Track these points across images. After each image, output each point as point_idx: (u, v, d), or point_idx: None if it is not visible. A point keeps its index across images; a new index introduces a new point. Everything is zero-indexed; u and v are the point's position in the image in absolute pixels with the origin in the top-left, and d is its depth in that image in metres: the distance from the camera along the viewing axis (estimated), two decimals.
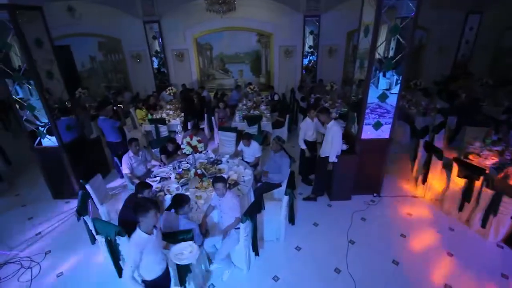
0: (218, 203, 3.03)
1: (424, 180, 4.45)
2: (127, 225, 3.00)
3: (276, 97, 7.86)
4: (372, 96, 3.84)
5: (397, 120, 4.16)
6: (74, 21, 8.66)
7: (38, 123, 4.27)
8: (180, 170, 4.00)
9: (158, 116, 6.76)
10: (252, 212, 2.93)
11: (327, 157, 4.02)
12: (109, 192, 4.21)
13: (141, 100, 7.35)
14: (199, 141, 3.66)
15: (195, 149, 3.64)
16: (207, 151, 4.64)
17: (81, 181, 3.62)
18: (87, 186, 3.66)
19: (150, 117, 6.48)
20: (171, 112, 7.10)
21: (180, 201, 2.66)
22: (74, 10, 8.48)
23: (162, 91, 8.55)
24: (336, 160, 3.99)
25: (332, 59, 9.25)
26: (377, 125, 3.94)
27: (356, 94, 4.50)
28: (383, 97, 3.78)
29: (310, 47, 8.93)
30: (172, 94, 7.68)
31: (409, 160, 5.59)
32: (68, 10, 8.49)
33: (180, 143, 4.74)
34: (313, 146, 4.73)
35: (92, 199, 3.56)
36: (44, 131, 4.28)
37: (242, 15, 8.40)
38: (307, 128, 4.52)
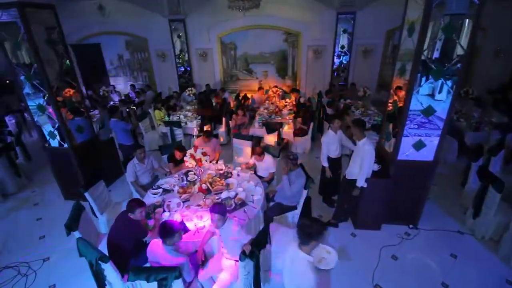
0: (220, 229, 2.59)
1: (476, 214, 3.60)
2: (115, 249, 2.70)
3: (302, 100, 7.25)
4: (414, 105, 3.14)
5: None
6: (104, 19, 8.81)
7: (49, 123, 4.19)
8: (184, 183, 3.62)
9: (176, 118, 6.53)
10: (256, 245, 2.44)
11: (354, 180, 3.38)
12: (112, 199, 3.98)
13: (161, 101, 7.19)
14: (204, 154, 3.25)
15: (198, 163, 3.23)
16: (218, 161, 4.23)
17: (80, 189, 3.39)
18: (86, 195, 3.44)
19: (166, 118, 6.26)
20: (189, 114, 6.84)
21: (169, 231, 2.25)
22: (104, 8, 8.60)
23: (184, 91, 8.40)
24: (365, 185, 3.35)
25: (367, 61, 8.37)
26: (419, 146, 3.22)
27: (394, 103, 3.77)
28: (428, 112, 3.05)
29: (342, 47, 8.16)
30: (191, 95, 7.42)
31: (456, 184, 4.70)
32: (99, 9, 8.63)
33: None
34: (338, 163, 4.09)
35: (88, 209, 3.32)
36: (54, 132, 4.18)
37: (269, 13, 7.90)
38: (330, 142, 3.90)
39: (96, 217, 3.66)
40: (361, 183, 3.33)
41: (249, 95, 8.51)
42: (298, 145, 6.06)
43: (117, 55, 9.49)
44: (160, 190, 3.60)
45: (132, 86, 8.89)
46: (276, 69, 8.75)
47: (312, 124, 5.86)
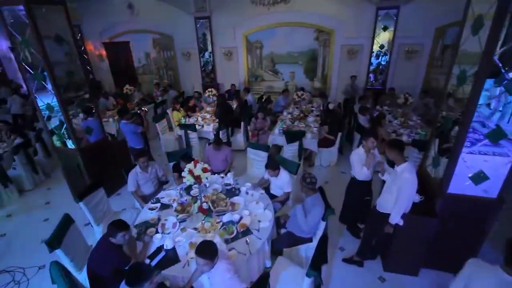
0: (207, 273, 2.11)
1: None
2: (93, 276, 2.36)
3: (330, 106, 6.51)
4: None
5: None
6: (133, 18, 8.85)
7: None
8: (185, 199, 3.20)
9: (193, 120, 6.22)
10: None
11: (387, 214, 2.69)
12: (112, 208, 3.72)
13: (181, 101, 6.94)
14: (204, 170, 2.79)
15: (198, 180, 2.78)
16: (227, 174, 3.76)
17: (75, 199, 3.15)
18: (81, 205, 3.19)
19: (183, 120, 5.96)
20: (207, 116, 6.49)
21: (134, 280, 1.78)
22: (133, 7, 8.62)
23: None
24: (400, 223, 2.64)
25: (410, 63, 7.34)
26: (479, 178, 2.43)
27: (447, 118, 2.97)
28: (496, 135, 2.26)
29: (381, 46, 7.23)
30: (211, 96, 7.07)
31: None
32: (129, 7, 8.67)
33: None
34: (366, 187, 3.39)
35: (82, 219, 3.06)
36: (63, 133, 4.04)
37: (299, 8, 7.26)
38: (358, 160, 3.22)
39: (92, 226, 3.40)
40: (395, 219, 2.63)
41: (273, 98, 7.99)
42: (323, 156, 5.39)
43: (144, 53, 9.51)
44: (158, 205, 3.24)
45: (157, 84, 8.83)
46: (304, 70, 8.07)
47: (340, 134, 5.14)
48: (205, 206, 3.02)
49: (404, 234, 2.75)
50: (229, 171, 4.11)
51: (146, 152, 4.47)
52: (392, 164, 2.86)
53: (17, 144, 4.89)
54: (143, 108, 4.60)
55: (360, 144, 4.95)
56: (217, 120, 6.05)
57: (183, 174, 2.81)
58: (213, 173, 4.22)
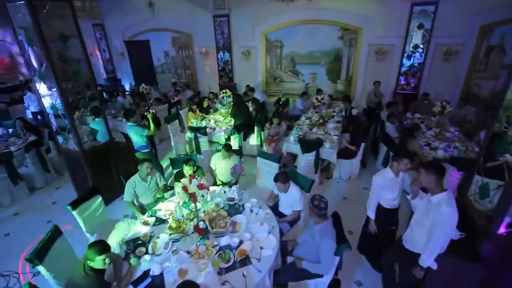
0: None
1: None
2: None
3: (354, 112, 5.92)
4: None
5: None
6: (153, 16, 8.79)
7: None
8: (181, 216, 2.89)
9: (206, 122, 5.95)
10: None
11: (417, 255, 2.18)
12: (111, 216, 3.51)
13: (197, 102, 6.70)
14: (200, 187, 2.45)
15: (192, 199, 2.45)
16: (232, 187, 3.41)
17: (67, 206, 2.96)
18: (74, 214, 3.00)
19: (194, 123, 5.70)
20: (221, 119, 6.18)
21: None
22: (153, 5, 8.55)
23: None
24: (434, 267, 2.13)
25: (448, 65, 6.53)
26: None
27: (503, 136, 2.39)
28: None
29: (415, 46, 6.49)
30: (225, 97, 6.76)
31: None
32: (149, 5, 8.62)
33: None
34: (392, 215, 2.87)
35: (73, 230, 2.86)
36: (66, 133, 3.92)
37: (323, 5, 6.74)
38: (384, 186, 2.70)
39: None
40: (427, 262, 2.11)
41: (292, 100, 7.54)
42: (343, 168, 4.86)
43: (163, 52, 9.45)
44: (153, 219, 2.96)
45: (174, 84, 8.71)
46: (326, 71, 7.52)
47: (363, 144, 4.59)
48: (202, 225, 2.68)
49: (438, 280, 2.23)
50: (235, 183, 3.76)
51: (152, 157, 4.26)
52: (424, 189, 2.34)
53: (29, 142, 4.89)
54: (150, 110, 4.37)
55: (385, 159, 4.42)
56: (231, 123, 5.74)
57: (176, 189, 2.48)
58: (220, 183, 3.90)
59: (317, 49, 7.34)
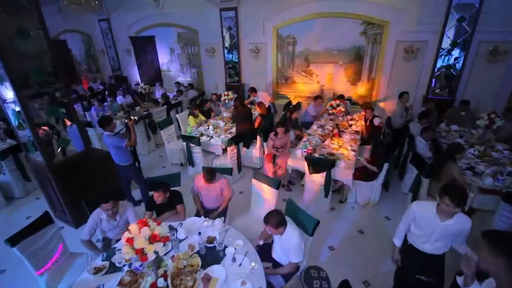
0: None
1: None
2: None
3: (376, 121, 4.96)
4: None
5: None
6: (158, 10, 8.24)
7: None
8: (139, 266, 2.19)
9: (204, 129, 5.27)
10: None
11: None
12: (70, 248, 2.90)
13: (198, 105, 6.04)
14: (152, 239, 1.74)
15: (141, 256, 1.74)
16: (216, 220, 2.69)
17: (6, 242, 2.37)
18: (15, 251, 2.40)
19: (188, 131, 5.03)
20: (221, 125, 5.48)
21: None
22: None
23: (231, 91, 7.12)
24: None
25: (493, 67, 5.42)
26: None
27: None
28: None
29: (453, 44, 5.43)
30: (227, 100, 6.05)
31: None
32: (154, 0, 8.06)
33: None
34: (421, 259, 2.08)
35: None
36: (31, 144, 3.36)
37: None
38: (416, 217, 2.06)
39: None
40: None
41: (304, 104, 6.70)
42: (360, 191, 4.00)
43: (169, 49, 8.88)
44: (107, 264, 2.30)
45: (177, 83, 8.12)
46: (345, 72, 6.58)
47: (387, 165, 3.70)
48: (161, 284, 1.98)
49: None
50: (223, 213, 3.05)
51: (115, 194, 3.31)
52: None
53: (6, 148, 4.43)
54: (131, 117, 3.73)
55: (415, 184, 3.52)
56: (232, 130, 5.03)
57: (122, 241, 1.79)
58: (204, 212, 3.20)
59: (335, 46, 6.43)
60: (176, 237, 2.51)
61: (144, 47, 9.07)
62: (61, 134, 3.94)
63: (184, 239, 2.53)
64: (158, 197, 2.73)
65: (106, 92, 8.57)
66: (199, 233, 2.44)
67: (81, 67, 11.77)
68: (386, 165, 3.68)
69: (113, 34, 9.60)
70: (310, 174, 3.67)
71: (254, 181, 3.26)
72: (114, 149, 3.67)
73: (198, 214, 3.20)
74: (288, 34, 6.80)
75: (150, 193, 3.06)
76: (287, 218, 2.36)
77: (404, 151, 4.55)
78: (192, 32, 8.10)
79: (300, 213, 2.56)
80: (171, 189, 2.96)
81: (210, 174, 2.98)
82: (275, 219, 2.19)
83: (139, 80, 9.64)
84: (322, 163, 3.59)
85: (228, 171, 3.39)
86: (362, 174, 3.90)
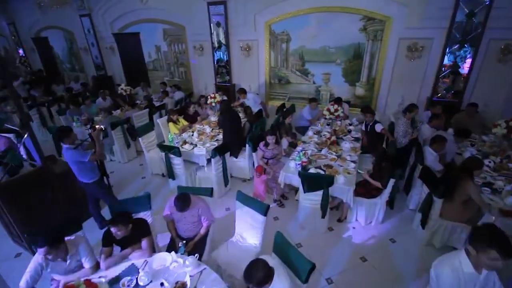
0: None
1: None
2: None
3: (378, 128, 4.43)
4: None
5: None
6: (142, 5, 7.64)
7: None
8: None
9: (188, 136, 4.75)
10: None
11: None
12: None
13: (178, 110, 5.50)
14: None
15: None
16: (189, 259, 2.19)
17: None
18: None
19: (169, 139, 4.50)
20: (207, 130, 4.96)
21: None
22: None
23: (220, 92, 6.59)
24: None
25: (504, 67, 4.98)
26: None
27: None
28: None
29: (461, 41, 4.95)
30: (214, 104, 5.52)
31: None
32: None
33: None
34: None
35: None
36: None
37: None
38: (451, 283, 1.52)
39: None
40: None
41: (299, 106, 6.20)
42: (361, 209, 3.52)
43: (155, 46, 8.30)
44: None
45: (163, 83, 7.56)
46: (343, 71, 6.09)
47: (393, 181, 3.21)
48: None
49: None
50: (196, 250, 2.55)
51: (57, 235, 2.59)
52: None
53: None
54: (96, 126, 3.19)
55: (425, 205, 3.04)
56: (219, 137, 4.52)
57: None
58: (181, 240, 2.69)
59: (332, 43, 5.92)
60: (137, 283, 2.00)
61: (128, 44, 8.48)
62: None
63: (147, 285, 2.02)
64: (117, 231, 2.21)
65: (87, 94, 7.96)
66: (161, 284, 1.92)
67: (63, 66, 11.13)
68: (392, 181, 3.20)
69: (95, 30, 8.97)
70: (304, 192, 3.17)
71: (238, 204, 2.75)
72: (76, 164, 3.13)
73: (172, 244, 2.69)
74: (282, 30, 6.27)
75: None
76: (274, 262, 1.86)
77: (410, 162, 4.07)
78: (179, 28, 7.53)
79: (291, 252, 2.06)
80: (136, 217, 2.44)
81: (183, 202, 2.45)
82: (258, 277, 1.67)
83: (124, 80, 9.06)
84: (318, 181, 3.09)
85: (207, 191, 2.88)
86: (364, 189, 3.42)
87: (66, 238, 2.21)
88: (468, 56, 5.02)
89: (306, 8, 5.85)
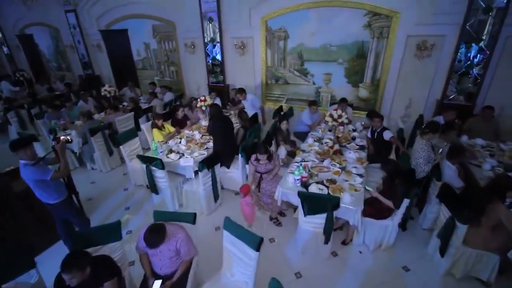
0: None
1: None
2: None
3: (386, 136, 3.96)
4: None
5: None
6: (129, 0, 7.14)
7: None
8: None
9: (174, 143, 4.28)
10: None
11: None
12: None
13: (163, 114, 5.02)
14: None
15: None
16: None
17: None
18: None
19: (153, 147, 4.03)
20: (196, 136, 4.50)
21: None
22: None
23: (213, 93, 6.12)
24: None
25: None
26: None
27: None
28: None
29: (476, 39, 4.50)
30: (204, 107, 5.05)
31: None
32: None
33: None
34: None
35: None
36: None
37: None
38: None
39: None
40: None
41: (297, 109, 5.75)
42: (370, 231, 3.07)
43: (143, 44, 7.78)
44: None
45: (152, 84, 7.06)
46: (345, 71, 5.63)
47: (407, 201, 2.76)
48: None
49: None
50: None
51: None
52: None
53: None
54: (61, 137, 2.72)
55: (447, 229, 2.65)
56: (209, 145, 4.06)
57: None
58: (156, 279, 2.23)
59: (334, 41, 5.45)
60: None
61: (116, 42, 7.96)
62: None
63: None
64: (71, 279, 1.74)
65: (71, 95, 7.46)
66: None
67: (50, 64, 10.59)
68: (406, 202, 2.76)
69: (81, 27, 8.43)
70: (305, 216, 2.71)
71: (226, 234, 2.30)
72: (37, 183, 2.66)
73: (145, 283, 2.23)
74: (279, 26, 5.78)
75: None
76: None
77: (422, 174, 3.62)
78: (169, 24, 7.02)
79: None
80: (97, 255, 1.98)
81: (155, 235, 1.99)
82: None
83: (113, 79, 8.55)
84: (321, 202, 2.64)
85: (189, 217, 2.41)
86: (373, 210, 2.97)
87: None
88: (484, 55, 4.57)
89: (305, 2, 5.37)
